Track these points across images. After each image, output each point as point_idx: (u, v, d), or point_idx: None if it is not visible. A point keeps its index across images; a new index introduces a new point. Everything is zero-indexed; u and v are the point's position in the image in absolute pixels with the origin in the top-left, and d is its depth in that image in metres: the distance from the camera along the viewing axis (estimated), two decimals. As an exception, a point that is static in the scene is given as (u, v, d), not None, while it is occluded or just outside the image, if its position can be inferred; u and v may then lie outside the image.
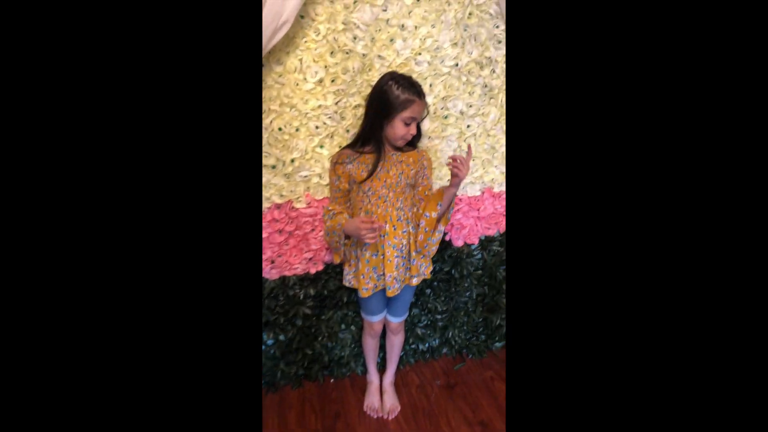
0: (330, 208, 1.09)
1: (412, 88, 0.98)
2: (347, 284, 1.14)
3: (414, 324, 1.46)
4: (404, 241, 1.04)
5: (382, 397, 1.31)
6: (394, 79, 0.98)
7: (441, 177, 1.28)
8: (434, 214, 1.02)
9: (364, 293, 1.07)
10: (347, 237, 1.03)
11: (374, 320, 1.21)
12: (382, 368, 1.39)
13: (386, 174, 1.03)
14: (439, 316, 1.47)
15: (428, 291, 1.43)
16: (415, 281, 1.10)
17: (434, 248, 1.09)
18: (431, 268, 1.14)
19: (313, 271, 1.26)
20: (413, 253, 1.07)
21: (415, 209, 1.08)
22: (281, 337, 1.32)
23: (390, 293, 1.06)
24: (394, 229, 1.03)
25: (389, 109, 0.98)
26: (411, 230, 1.06)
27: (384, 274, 1.06)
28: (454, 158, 0.94)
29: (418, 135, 1.08)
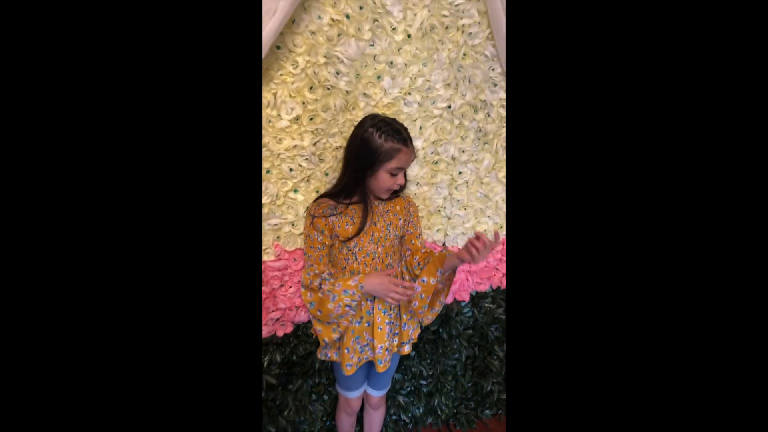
0: (315, 270, 0.88)
1: (397, 134, 0.84)
2: (323, 357, 0.96)
3: (396, 391, 1.27)
4: (393, 304, 0.89)
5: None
6: (375, 125, 0.84)
7: (429, 226, 1.15)
8: (432, 281, 0.87)
9: (348, 370, 0.90)
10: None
11: (352, 396, 1.02)
12: (357, 446, 1.19)
13: (373, 227, 0.88)
14: (424, 382, 1.30)
15: (413, 353, 1.26)
16: (406, 349, 0.94)
17: (430, 318, 0.94)
18: (419, 331, 0.98)
19: (280, 333, 1.08)
20: (404, 316, 0.92)
21: (403, 263, 0.93)
22: (239, 412, 1.10)
23: (380, 368, 0.90)
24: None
25: (372, 159, 0.84)
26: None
27: (372, 345, 0.90)
28: (478, 236, 0.78)
29: (404, 181, 0.94)
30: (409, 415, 1.31)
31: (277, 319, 1.07)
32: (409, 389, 1.29)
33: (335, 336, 0.89)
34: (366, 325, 0.90)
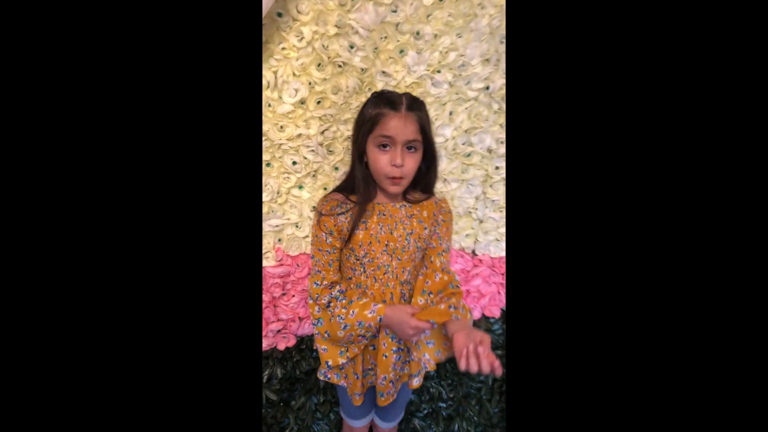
0: (324, 280, 0.74)
1: (388, 101, 0.67)
2: (323, 378, 0.83)
3: (411, 413, 1.14)
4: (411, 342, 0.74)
5: None
6: (376, 94, 0.70)
7: (458, 230, 0.98)
8: (435, 325, 0.70)
9: (357, 400, 0.77)
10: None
11: (357, 425, 0.89)
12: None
13: (388, 235, 0.72)
14: (443, 405, 1.15)
15: (432, 372, 1.11)
16: (416, 382, 0.79)
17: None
18: (438, 351, 0.82)
19: (281, 346, 0.96)
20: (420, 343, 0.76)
21: (422, 278, 0.76)
22: (237, 427, 1.01)
23: (382, 401, 0.75)
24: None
25: (361, 133, 0.69)
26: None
27: (375, 372, 0.75)
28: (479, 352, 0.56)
29: (432, 174, 0.76)
30: (426, 438, 1.17)
31: (279, 331, 0.95)
32: (426, 411, 1.15)
33: (341, 361, 0.75)
34: (371, 348, 0.75)
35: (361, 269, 0.73)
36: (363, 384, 0.78)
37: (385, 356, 0.73)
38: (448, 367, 1.13)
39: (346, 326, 0.70)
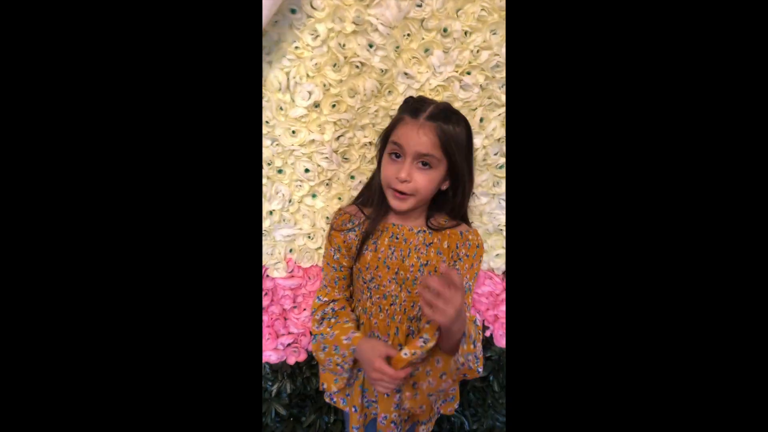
0: (326, 296, 0.70)
1: (413, 106, 0.61)
2: (328, 401, 0.78)
3: (429, 442, 1.05)
4: (413, 370, 0.66)
5: None
6: (408, 98, 0.65)
7: (487, 250, 0.88)
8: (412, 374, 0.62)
9: None
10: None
11: None
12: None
13: (399, 262, 0.64)
14: (465, 436, 1.06)
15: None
16: (422, 430, 0.71)
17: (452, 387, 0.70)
18: (456, 404, 0.74)
19: (291, 360, 0.92)
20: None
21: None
22: (246, 438, 0.98)
23: None
24: (400, 348, 0.65)
25: (382, 138, 0.64)
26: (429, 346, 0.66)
27: (375, 405, 0.69)
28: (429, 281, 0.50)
29: (459, 199, 0.66)
30: (445, 470, 1.08)
31: (289, 345, 0.91)
32: (446, 442, 1.06)
33: (335, 388, 0.69)
34: (350, 360, 0.68)
35: (367, 294, 0.67)
36: (365, 416, 0.72)
37: (387, 395, 0.66)
38: (471, 397, 1.03)
39: (325, 347, 0.64)
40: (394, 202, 0.62)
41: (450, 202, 0.66)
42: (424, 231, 0.66)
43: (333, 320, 0.66)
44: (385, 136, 0.63)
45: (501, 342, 0.97)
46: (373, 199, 0.67)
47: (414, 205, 0.62)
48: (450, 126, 0.59)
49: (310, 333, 0.70)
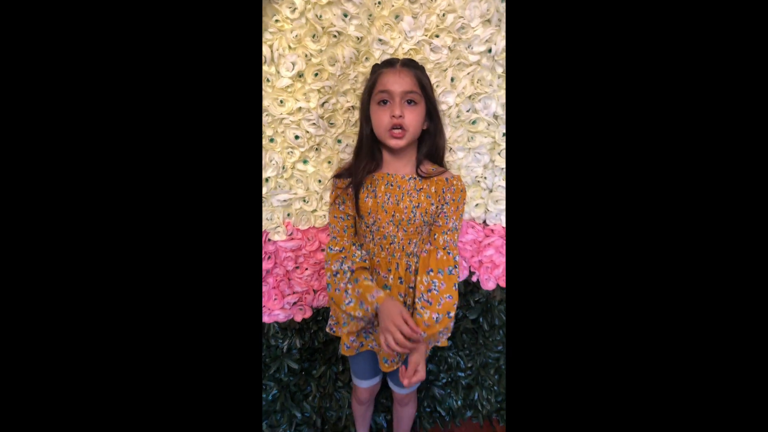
0: (335, 247, 0.77)
1: (386, 62, 0.72)
2: (329, 330, 0.86)
3: (430, 382, 1.15)
4: (410, 300, 0.75)
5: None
6: (375, 65, 0.74)
7: (467, 201, 0.97)
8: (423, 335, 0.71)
9: (345, 351, 0.79)
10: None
11: (362, 385, 0.92)
12: (388, 436, 1.11)
13: (395, 206, 0.73)
14: (462, 374, 1.16)
15: (449, 343, 1.12)
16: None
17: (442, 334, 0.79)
18: (449, 334, 0.83)
19: (298, 318, 1.00)
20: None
21: (425, 255, 0.76)
22: (263, 395, 1.06)
23: (385, 368, 0.77)
24: (400, 282, 0.74)
25: (364, 98, 0.73)
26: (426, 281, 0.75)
27: (377, 338, 0.77)
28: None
29: (439, 138, 0.75)
30: (446, 406, 1.19)
31: (294, 303, 0.98)
32: (444, 381, 1.16)
33: (344, 329, 0.78)
34: (373, 314, 0.77)
35: (370, 237, 0.75)
36: (362, 344, 0.80)
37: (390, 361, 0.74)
38: (465, 338, 1.13)
39: (350, 302, 0.72)
40: (393, 141, 0.69)
41: (432, 142, 0.75)
42: (415, 178, 0.74)
43: (352, 277, 0.73)
44: (369, 91, 0.71)
45: (487, 285, 1.07)
46: (363, 148, 0.74)
47: (409, 140, 0.70)
48: (419, 71, 0.71)
49: (327, 284, 0.77)
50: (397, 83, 0.67)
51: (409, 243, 0.74)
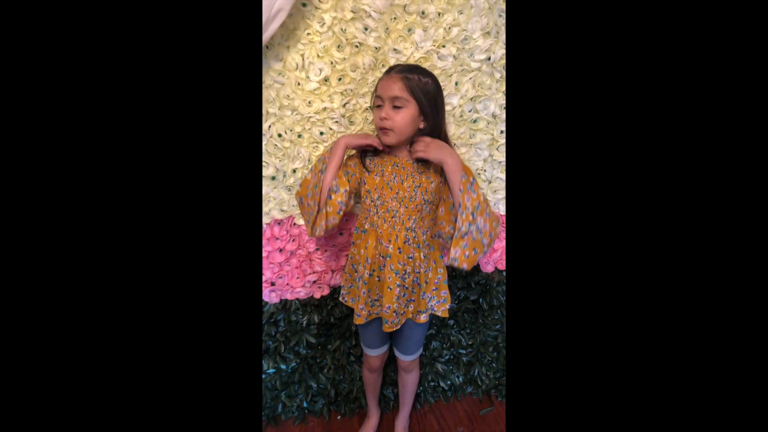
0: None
1: (387, 70, 0.83)
2: (342, 300, 0.98)
3: (434, 358, 1.27)
4: (409, 268, 0.86)
5: (393, 443, 1.14)
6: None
7: (468, 191, 1.09)
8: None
9: (357, 319, 0.91)
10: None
11: (371, 353, 1.03)
12: (397, 405, 1.22)
13: (399, 185, 0.85)
14: (463, 351, 1.28)
15: (451, 322, 1.24)
16: (423, 318, 0.91)
17: (467, 261, 0.80)
18: (447, 305, 0.94)
19: (317, 295, 1.12)
20: (423, 285, 0.88)
21: (429, 234, 0.88)
22: (282, 367, 1.18)
23: (387, 328, 0.88)
24: (399, 252, 0.85)
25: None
26: (422, 257, 0.87)
27: (381, 302, 0.88)
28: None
29: (435, 135, 0.86)
30: (448, 383, 1.30)
31: (314, 282, 1.10)
32: (447, 357, 1.28)
33: (313, 231, 0.87)
34: (377, 279, 0.88)
35: (375, 210, 0.87)
36: (370, 312, 0.91)
37: (390, 288, 0.86)
38: (466, 317, 1.24)
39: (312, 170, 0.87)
40: (382, 138, 0.83)
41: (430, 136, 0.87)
42: (417, 164, 0.86)
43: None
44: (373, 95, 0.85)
45: (486, 268, 1.19)
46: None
47: (395, 138, 0.82)
48: (414, 75, 0.80)
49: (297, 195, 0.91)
50: (386, 89, 0.80)
51: (409, 218, 0.86)
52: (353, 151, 0.91)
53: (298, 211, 1.02)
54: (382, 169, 0.86)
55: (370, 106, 0.96)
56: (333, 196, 0.85)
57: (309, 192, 0.86)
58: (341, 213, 0.86)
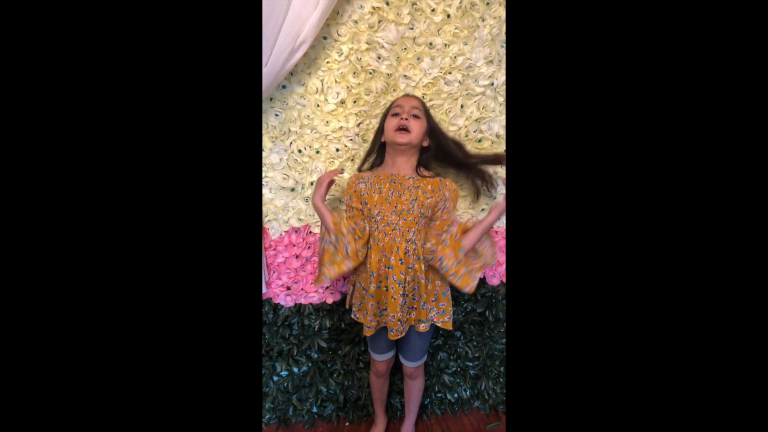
0: (337, 224, 0.97)
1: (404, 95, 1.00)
2: (354, 317, 1.04)
3: (441, 370, 1.30)
4: (409, 278, 0.92)
5: (398, 451, 1.16)
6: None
7: (474, 207, 1.16)
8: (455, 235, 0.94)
9: (367, 332, 0.97)
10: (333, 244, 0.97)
11: (379, 359, 1.08)
12: (404, 414, 1.25)
13: (397, 199, 0.93)
14: (470, 363, 1.30)
15: (458, 333, 1.27)
16: (422, 327, 0.96)
17: (469, 284, 0.94)
18: (448, 316, 0.99)
19: (330, 301, 1.19)
20: (423, 296, 0.94)
21: (428, 245, 0.93)
22: (295, 369, 1.24)
23: (392, 336, 0.94)
24: (401, 263, 0.92)
25: (384, 113, 1.00)
26: (422, 269, 0.93)
27: (387, 311, 0.94)
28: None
29: (438, 153, 0.99)
30: (455, 395, 1.32)
31: (327, 288, 1.18)
32: (454, 369, 1.30)
33: (322, 281, 0.97)
34: (384, 290, 0.94)
35: (375, 225, 0.94)
36: (379, 323, 0.97)
37: (393, 298, 0.92)
38: (473, 329, 1.27)
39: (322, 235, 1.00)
40: (399, 138, 0.92)
41: (428, 156, 0.98)
42: (414, 178, 0.94)
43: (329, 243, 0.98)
44: (387, 110, 0.97)
45: (492, 281, 1.23)
46: (370, 153, 1.02)
47: (409, 138, 0.92)
48: (423, 104, 0.97)
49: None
50: (406, 102, 0.95)
51: (408, 230, 0.92)
52: (360, 177, 1.00)
53: (315, 220, 1.11)
54: (380, 186, 0.95)
55: (381, 120, 1.04)
56: (340, 238, 0.95)
57: (327, 258, 0.97)
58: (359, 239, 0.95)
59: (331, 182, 1.00)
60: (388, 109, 0.98)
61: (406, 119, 0.92)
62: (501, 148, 1.12)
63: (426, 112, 0.96)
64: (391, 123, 0.94)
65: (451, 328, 1.00)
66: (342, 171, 1.06)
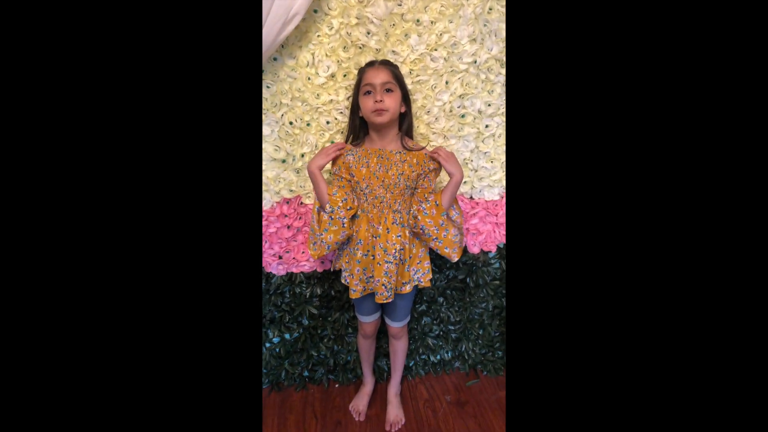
0: (329, 197, 1.00)
1: (368, 63, 0.99)
2: (343, 282, 1.10)
3: (425, 333, 1.39)
4: (398, 246, 0.99)
5: (386, 408, 1.25)
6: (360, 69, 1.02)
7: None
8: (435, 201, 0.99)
9: (352, 294, 1.03)
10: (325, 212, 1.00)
11: (365, 321, 1.16)
12: (390, 375, 1.33)
13: (385, 173, 0.98)
14: (452, 327, 1.39)
15: (440, 299, 1.36)
16: (407, 288, 1.04)
17: (456, 251, 1.03)
18: (429, 276, 1.07)
19: (320, 269, 1.24)
20: (407, 260, 1.01)
21: (412, 213, 1.00)
22: (287, 336, 1.29)
23: (378, 299, 1.01)
24: (388, 232, 0.98)
25: (355, 90, 1.00)
26: (407, 235, 1.00)
27: (373, 278, 1.01)
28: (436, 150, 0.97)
29: (411, 116, 1.02)
30: (437, 357, 1.41)
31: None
32: (437, 333, 1.39)
33: (319, 252, 1.02)
34: (371, 258, 1.00)
35: (364, 198, 1.00)
36: (365, 288, 1.03)
37: (379, 264, 0.98)
38: (455, 295, 1.36)
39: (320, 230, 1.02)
40: (377, 119, 0.95)
41: (409, 121, 1.02)
42: (400, 152, 1.00)
43: (327, 218, 0.99)
44: (357, 87, 0.99)
45: (473, 249, 1.31)
46: (355, 134, 1.04)
47: (389, 117, 0.96)
48: (393, 68, 0.99)
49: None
50: (377, 77, 0.94)
51: (395, 202, 0.99)
52: (347, 149, 1.03)
53: (306, 192, 1.15)
54: (368, 160, 0.99)
55: (354, 95, 1.06)
56: (336, 211, 0.98)
57: (317, 230, 1.01)
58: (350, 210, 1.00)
59: (337, 157, 1.01)
60: (358, 83, 0.98)
61: (381, 100, 0.93)
62: (483, 123, 1.18)
63: (397, 78, 0.96)
64: (367, 104, 0.95)
65: (430, 285, 1.08)
66: (350, 149, 1.02)
